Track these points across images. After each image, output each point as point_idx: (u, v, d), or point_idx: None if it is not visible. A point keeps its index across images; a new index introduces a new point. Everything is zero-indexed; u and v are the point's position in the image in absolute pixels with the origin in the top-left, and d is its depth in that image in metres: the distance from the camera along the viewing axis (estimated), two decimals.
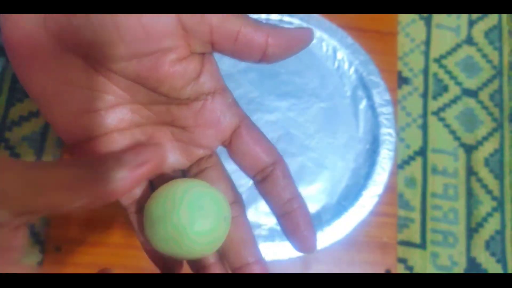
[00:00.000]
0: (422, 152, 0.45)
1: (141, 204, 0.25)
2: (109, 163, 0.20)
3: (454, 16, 0.50)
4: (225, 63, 0.44)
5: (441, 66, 0.48)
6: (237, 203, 0.26)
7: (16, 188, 0.18)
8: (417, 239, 0.43)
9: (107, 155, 0.20)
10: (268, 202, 0.25)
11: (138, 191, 0.25)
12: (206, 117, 0.25)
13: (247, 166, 0.25)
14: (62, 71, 0.23)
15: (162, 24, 0.22)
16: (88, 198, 0.19)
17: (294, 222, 0.24)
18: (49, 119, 0.24)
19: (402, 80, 0.47)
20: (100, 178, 0.19)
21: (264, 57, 0.24)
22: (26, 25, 0.22)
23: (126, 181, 0.20)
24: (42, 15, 0.22)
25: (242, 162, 0.25)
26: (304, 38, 0.24)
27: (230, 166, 0.26)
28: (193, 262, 0.25)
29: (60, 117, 0.23)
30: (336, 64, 0.45)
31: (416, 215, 0.43)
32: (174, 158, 0.26)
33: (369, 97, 0.44)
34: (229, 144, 0.25)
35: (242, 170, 0.26)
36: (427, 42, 0.48)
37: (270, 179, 0.25)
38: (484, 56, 0.49)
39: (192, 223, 0.23)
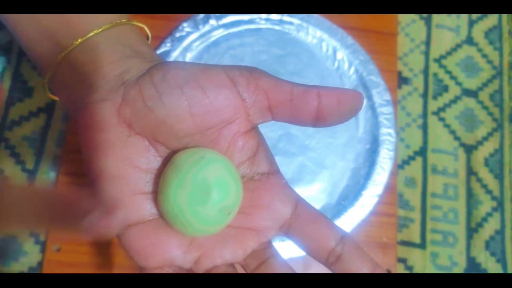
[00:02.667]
0: (422, 152, 0.45)
1: None
2: (83, 202, 0.19)
3: (454, 16, 0.50)
4: (225, 63, 0.44)
5: (441, 66, 0.48)
6: None
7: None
8: (417, 239, 0.43)
9: (83, 192, 0.20)
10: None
11: None
12: (262, 197, 0.25)
13: (316, 250, 0.24)
14: (126, 154, 0.24)
15: (224, 96, 0.23)
16: (55, 229, 0.19)
17: None
18: (102, 197, 0.24)
19: (402, 80, 0.47)
20: (71, 215, 0.19)
21: (319, 113, 0.24)
22: (100, 112, 0.23)
23: (94, 226, 0.19)
24: (118, 103, 0.24)
25: (309, 245, 0.24)
26: (355, 97, 0.24)
27: None
28: None
29: (114, 197, 0.24)
30: (336, 64, 0.45)
31: (416, 215, 0.43)
32: (228, 249, 0.24)
33: (369, 97, 0.44)
34: (289, 228, 0.25)
35: (311, 255, 0.24)
36: (427, 42, 0.48)
37: (345, 257, 0.24)
38: (484, 56, 0.49)
39: (187, 207, 0.22)
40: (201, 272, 0.24)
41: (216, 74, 0.23)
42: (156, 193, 0.24)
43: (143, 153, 0.24)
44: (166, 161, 0.24)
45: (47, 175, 0.41)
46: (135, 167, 0.24)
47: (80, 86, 0.25)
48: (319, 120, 0.24)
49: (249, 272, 0.25)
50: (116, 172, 0.23)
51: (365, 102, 0.44)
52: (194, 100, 0.23)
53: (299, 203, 0.25)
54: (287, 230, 0.25)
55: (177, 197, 0.22)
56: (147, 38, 0.30)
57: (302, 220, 0.24)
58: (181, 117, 0.23)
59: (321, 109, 0.23)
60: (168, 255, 0.24)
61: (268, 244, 0.25)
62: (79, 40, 0.25)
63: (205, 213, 0.23)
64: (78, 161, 0.41)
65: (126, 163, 0.23)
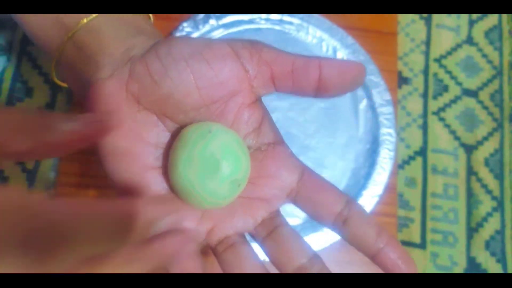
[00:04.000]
0: (422, 152, 0.45)
1: None
2: (59, 116, 0.20)
3: (454, 16, 0.50)
4: None
5: (441, 66, 0.48)
6: (317, 257, 0.24)
7: None
8: (417, 239, 0.43)
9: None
10: (356, 244, 0.24)
11: None
12: (269, 167, 0.25)
13: (322, 215, 0.24)
14: (136, 129, 0.24)
15: (228, 68, 0.24)
16: (32, 143, 0.19)
17: (392, 260, 0.23)
18: (113, 175, 0.24)
19: (402, 80, 0.47)
20: (47, 127, 0.19)
21: (320, 84, 0.24)
22: (108, 88, 0.24)
23: (69, 134, 0.19)
24: (125, 78, 0.24)
25: (316, 211, 0.25)
26: (357, 69, 0.24)
27: None
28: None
29: (126, 173, 0.24)
30: None
31: (416, 215, 0.43)
32: (239, 219, 0.25)
33: (369, 97, 0.44)
34: (296, 196, 0.25)
35: (318, 221, 0.25)
36: (427, 42, 0.48)
37: (352, 221, 0.24)
38: (484, 56, 0.49)
39: (198, 181, 0.23)
40: (214, 243, 0.24)
41: (220, 47, 0.24)
42: (166, 168, 0.24)
43: (152, 128, 0.24)
44: (174, 136, 0.24)
45: (47, 175, 0.41)
46: (145, 142, 0.24)
47: (87, 67, 0.25)
48: (320, 90, 0.24)
49: (259, 240, 0.25)
50: (127, 147, 0.24)
51: (365, 102, 0.44)
52: (199, 73, 0.23)
53: (305, 171, 0.25)
54: (295, 198, 0.25)
55: (187, 172, 0.23)
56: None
57: (308, 188, 0.25)
58: (187, 91, 0.23)
59: (322, 79, 0.23)
60: (182, 228, 0.24)
61: (277, 213, 0.25)
62: (85, 20, 0.26)
63: (216, 187, 0.23)
64: (78, 161, 0.41)
65: (136, 139, 0.24)
